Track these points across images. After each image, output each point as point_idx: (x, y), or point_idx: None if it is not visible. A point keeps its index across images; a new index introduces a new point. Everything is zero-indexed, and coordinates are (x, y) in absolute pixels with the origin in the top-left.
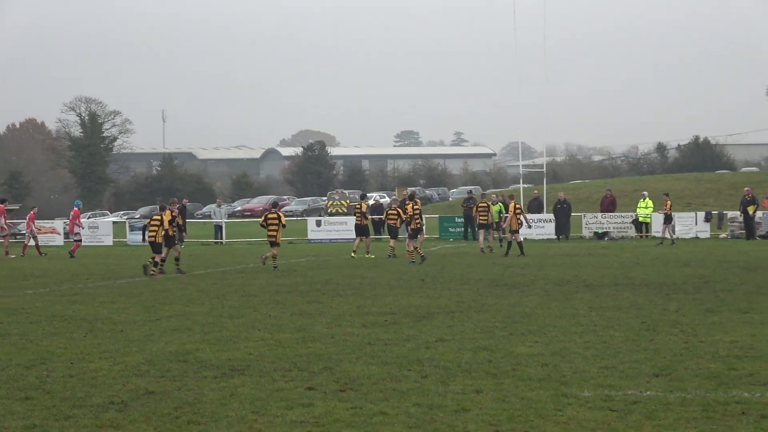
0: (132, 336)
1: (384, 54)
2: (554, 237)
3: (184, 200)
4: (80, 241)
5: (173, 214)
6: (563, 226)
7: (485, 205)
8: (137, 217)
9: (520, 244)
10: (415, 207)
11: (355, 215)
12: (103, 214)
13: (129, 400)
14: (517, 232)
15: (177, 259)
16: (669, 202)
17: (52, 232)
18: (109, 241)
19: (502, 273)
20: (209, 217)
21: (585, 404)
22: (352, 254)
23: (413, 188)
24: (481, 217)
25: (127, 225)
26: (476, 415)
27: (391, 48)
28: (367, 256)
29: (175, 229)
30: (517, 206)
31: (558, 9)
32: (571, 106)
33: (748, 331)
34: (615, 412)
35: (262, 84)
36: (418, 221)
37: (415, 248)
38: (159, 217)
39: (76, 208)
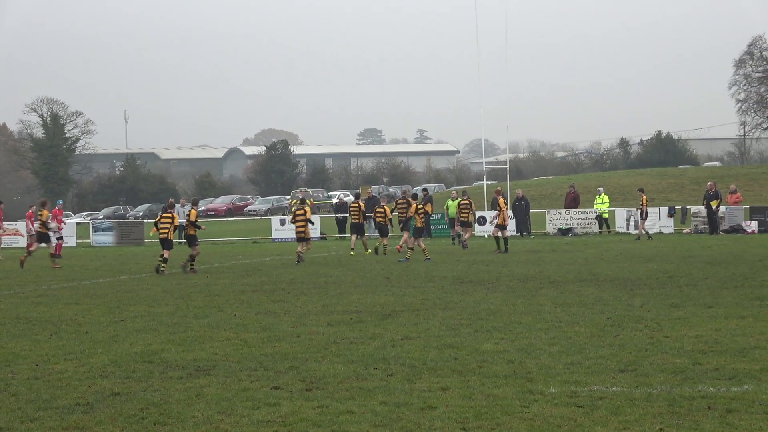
0: (97, 337)
1: (347, 53)
2: (516, 234)
3: (171, 200)
4: (61, 239)
5: (194, 213)
6: (523, 222)
7: (467, 202)
8: (101, 217)
9: (506, 240)
10: (419, 206)
11: (350, 214)
12: (67, 216)
13: (95, 401)
14: (504, 228)
15: (193, 258)
16: (644, 197)
17: (15, 234)
18: (72, 242)
19: (467, 270)
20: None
21: (551, 401)
22: (351, 252)
23: (428, 186)
24: (462, 215)
25: (91, 226)
26: (443, 413)
27: (353, 47)
28: (367, 253)
29: (194, 229)
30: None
31: (519, 7)
32: (533, 103)
33: (712, 325)
34: (581, 408)
35: (225, 83)
36: (422, 219)
37: (423, 249)
38: (170, 215)
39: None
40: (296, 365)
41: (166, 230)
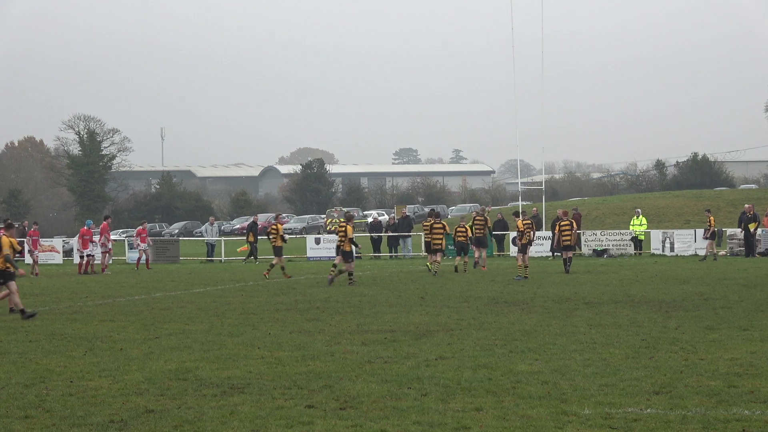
0: (131, 354)
1: (384, 72)
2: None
3: (255, 217)
4: (92, 256)
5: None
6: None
7: (482, 219)
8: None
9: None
10: (525, 222)
11: (433, 232)
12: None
13: (129, 418)
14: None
15: (283, 267)
16: (712, 218)
17: (51, 251)
18: (107, 259)
19: (502, 290)
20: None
21: (585, 422)
22: (428, 265)
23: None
24: (477, 231)
25: (126, 243)
26: None
27: (390, 66)
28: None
29: (283, 242)
30: (526, 221)
31: (556, 30)
32: (569, 124)
33: (747, 348)
34: (615, 430)
35: (261, 101)
36: (528, 236)
37: (525, 265)
38: (344, 228)
39: (85, 228)
40: (330, 384)
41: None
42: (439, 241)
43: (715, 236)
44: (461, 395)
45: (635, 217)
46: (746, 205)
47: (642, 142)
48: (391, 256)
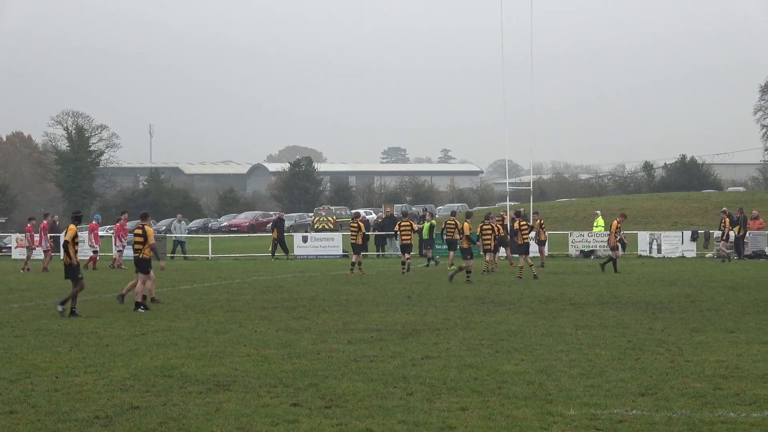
0: (117, 351)
1: (372, 70)
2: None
3: (281, 213)
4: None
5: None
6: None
7: (489, 227)
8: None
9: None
10: (522, 223)
11: (446, 231)
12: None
13: (114, 414)
14: (615, 248)
15: (359, 264)
16: (728, 220)
17: (39, 246)
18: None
19: (488, 291)
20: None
21: (571, 423)
22: (451, 266)
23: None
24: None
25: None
26: None
27: (378, 64)
28: (450, 267)
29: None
30: (523, 223)
31: (545, 28)
32: (558, 125)
33: (733, 350)
34: (600, 431)
35: (250, 99)
36: (525, 237)
37: (531, 265)
38: (356, 224)
39: (94, 222)
40: (316, 382)
41: (354, 237)
42: (408, 239)
43: (729, 238)
44: (447, 395)
45: (596, 218)
46: (739, 207)
47: (630, 144)
48: (378, 255)
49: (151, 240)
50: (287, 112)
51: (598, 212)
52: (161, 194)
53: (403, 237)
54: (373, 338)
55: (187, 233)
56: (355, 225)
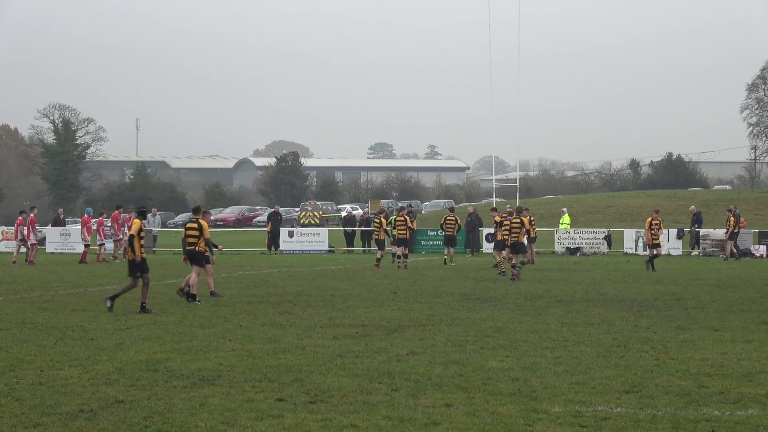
0: (102, 344)
1: (359, 66)
2: (466, 251)
3: (276, 207)
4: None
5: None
6: (472, 240)
7: (518, 221)
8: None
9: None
10: (532, 219)
11: (445, 226)
12: (75, 222)
13: (98, 408)
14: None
15: (401, 256)
16: (732, 218)
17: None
18: (81, 248)
19: (474, 287)
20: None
21: (555, 420)
22: (447, 262)
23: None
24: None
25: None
26: (446, 429)
27: (366, 60)
28: (450, 264)
29: (387, 236)
30: (532, 219)
31: (532, 25)
32: (544, 121)
33: (719, 348)
34: (585, 428)
35: (237, 93)
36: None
37: (524, 262)
38: (378, 220)
39: (86, 215)
40: (301, 377)
41: (377, 233)
42: (403, 233)
43: (735, 236)
44: (432, 391)
45: (562, 216)
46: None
47: (617, 142)
48: (364, 251)
49: (207, 234)
50: (274, 106)
51: (565, 209)
52: (147, 188)
53: (399, 231)
54: (359, 334)
55: (159, 227)
56: (378, 221)
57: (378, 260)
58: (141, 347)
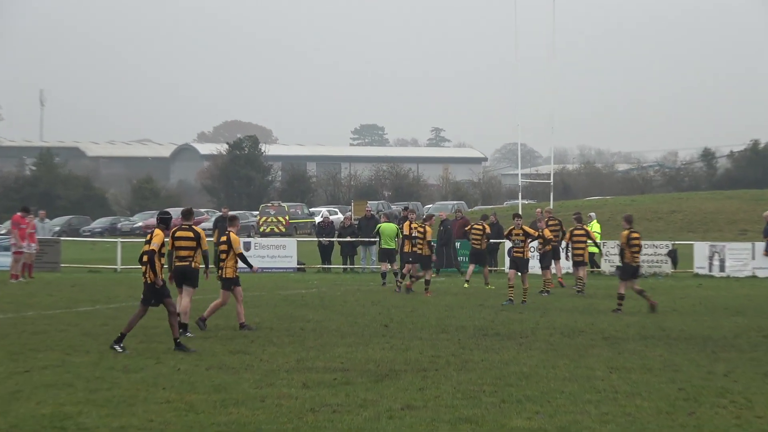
0: None
1: (339, 26)
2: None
3: (225, 210)
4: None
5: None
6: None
7: (582, 232)
8: (2, 233)
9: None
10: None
11: (472, 239)
12: None
13: None
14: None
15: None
16: None
17: None
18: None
19: (493, 319)
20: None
21: None
22: (465, 284)
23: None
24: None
25: None
26: None
27: (348, 19)
28: (487, 287)
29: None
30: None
31: None
32: (586, 99)
33: None
34: None
35: (175, 63)
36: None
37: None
38: (422, 229)
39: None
40: None
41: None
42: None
43: None
44: None
45: (589, 223)
46: None
47: (683, 126)
48: (345, 269)
49: (238, 248)
50: (226, 77)
51: (593, 214)
52: (55, 183)
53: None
54: (337, 381)
55: (51, 235)
56: (422, 229)
57: (427, 283)
58: (44, 397)
